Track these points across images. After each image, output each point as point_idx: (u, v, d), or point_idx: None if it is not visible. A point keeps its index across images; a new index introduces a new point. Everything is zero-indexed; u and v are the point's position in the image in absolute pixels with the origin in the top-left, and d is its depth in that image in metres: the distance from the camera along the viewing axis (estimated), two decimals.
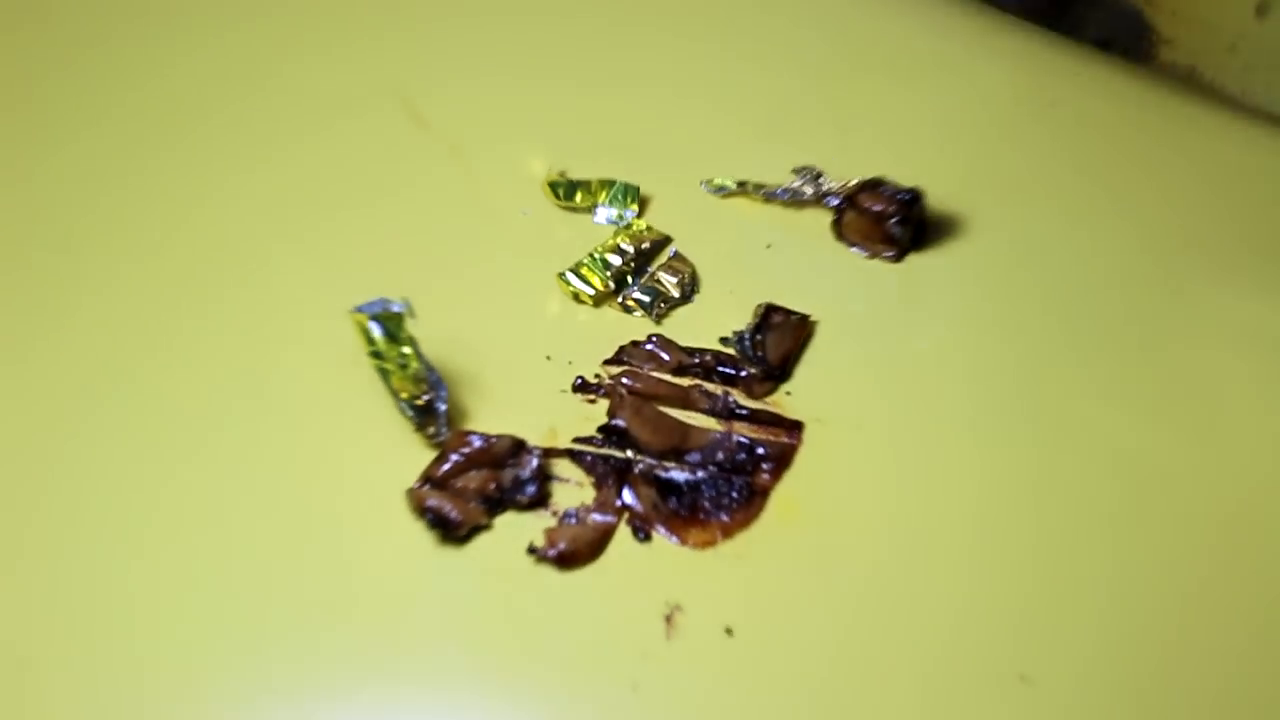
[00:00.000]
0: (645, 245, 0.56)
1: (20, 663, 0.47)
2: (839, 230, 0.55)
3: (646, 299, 0.54)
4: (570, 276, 0.55)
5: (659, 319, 0.54)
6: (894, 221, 0.54)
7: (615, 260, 0.55)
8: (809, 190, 0.56)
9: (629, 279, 0.55)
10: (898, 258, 0.55)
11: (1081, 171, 0.59)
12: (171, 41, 0.65)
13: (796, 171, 0.56)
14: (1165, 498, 0.50)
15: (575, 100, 0.61)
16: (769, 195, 0.56)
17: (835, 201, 0.55)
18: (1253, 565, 0.49)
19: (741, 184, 0.57)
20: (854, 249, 0.55)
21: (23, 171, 0.60)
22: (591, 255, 0.55)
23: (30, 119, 0.62)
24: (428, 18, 0.65)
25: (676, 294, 0.54)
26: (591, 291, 0.54)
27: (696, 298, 0.55)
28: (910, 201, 0.54)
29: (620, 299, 0.54)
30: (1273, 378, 0.53)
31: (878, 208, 0.54)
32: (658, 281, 0.55)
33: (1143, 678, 0.47)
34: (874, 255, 0.55)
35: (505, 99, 0.62)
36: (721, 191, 0.57)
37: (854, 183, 0.55)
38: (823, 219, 0.56)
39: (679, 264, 0.55)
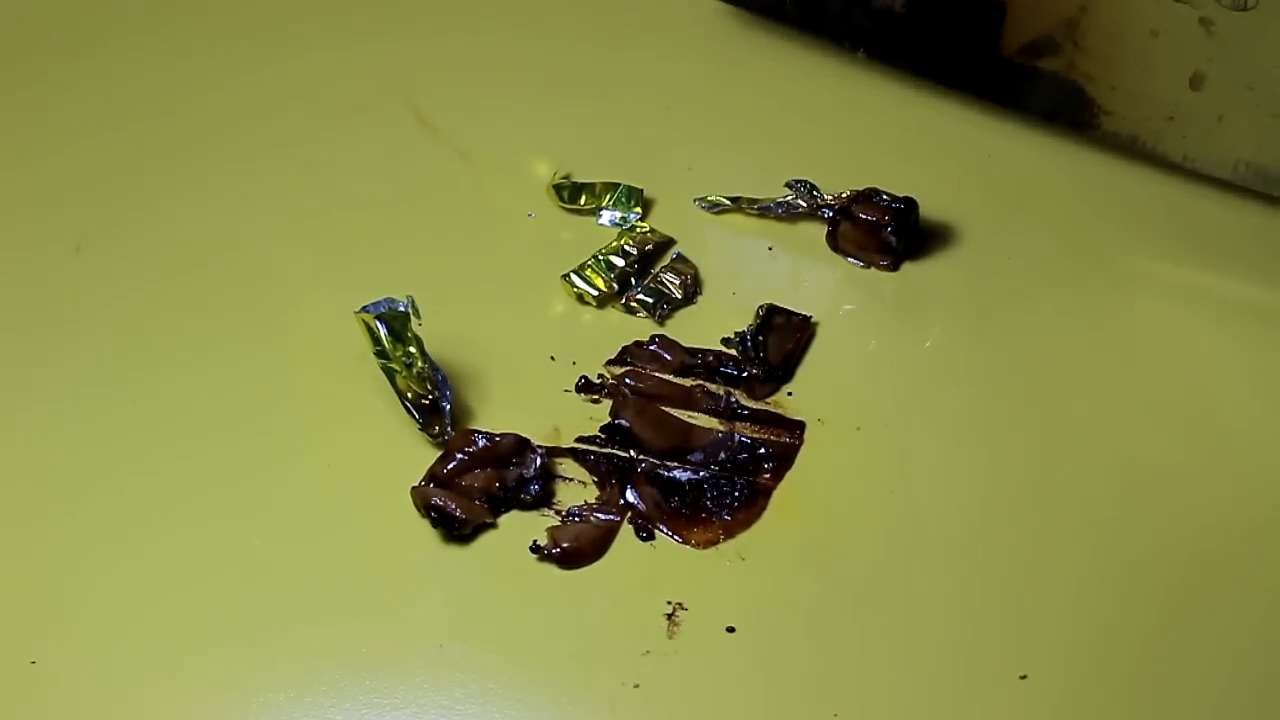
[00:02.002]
0: (649, 247, 0.55)
1: (24, 660, 0.46)
2: (834, 241, 0.55)
3: (650, 300, 0.54)
4: (574, 278, 0.54)
5: (662, 320, 0.54)
6: (889, 231, 0.53)
7: (619, 262, 0.55)
8: (803, 203, 0.55)
9: (632, 280, 0.55)
10: (893, 266, 0.54)
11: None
12: (181, 43, 0.64)
13: (790, 185, 0.56)
14: (1163, 497, 0.50)
15: (580, 104, 0.61)
16: (763, 209, 0.55)
17: (830, 213, 0.55)
18: (1250, 564, 0.48)
19: (735, 199, 0.56)
20: (850, 259, 0.54)
21: (28, 171, 0.60)
22: (595, 257, 0.55)
23: (34, 119, 0.62)
24: (434, 23, 0.64)
25: (679, 295, 0.54)
26: (595, 293, 0.54)
27: (699, 299, 0.55)
28: (904, 211, 0.53)
29: (624, 300, 0.54)
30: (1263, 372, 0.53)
31: (872, 218, 0.53)
32: (661, 283, 0.55)
33: (1139, 677, 0.46)
34: (869, 264, 0.54)
35: (510, 103, 0.61)
36: (716, 208, 0.56)
37: (847, 194, 0.54)
38: (817, 231, 0.55)
39: (682, 266, 0.55)
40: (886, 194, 0.54)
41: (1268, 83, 0.51)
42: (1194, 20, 0.51)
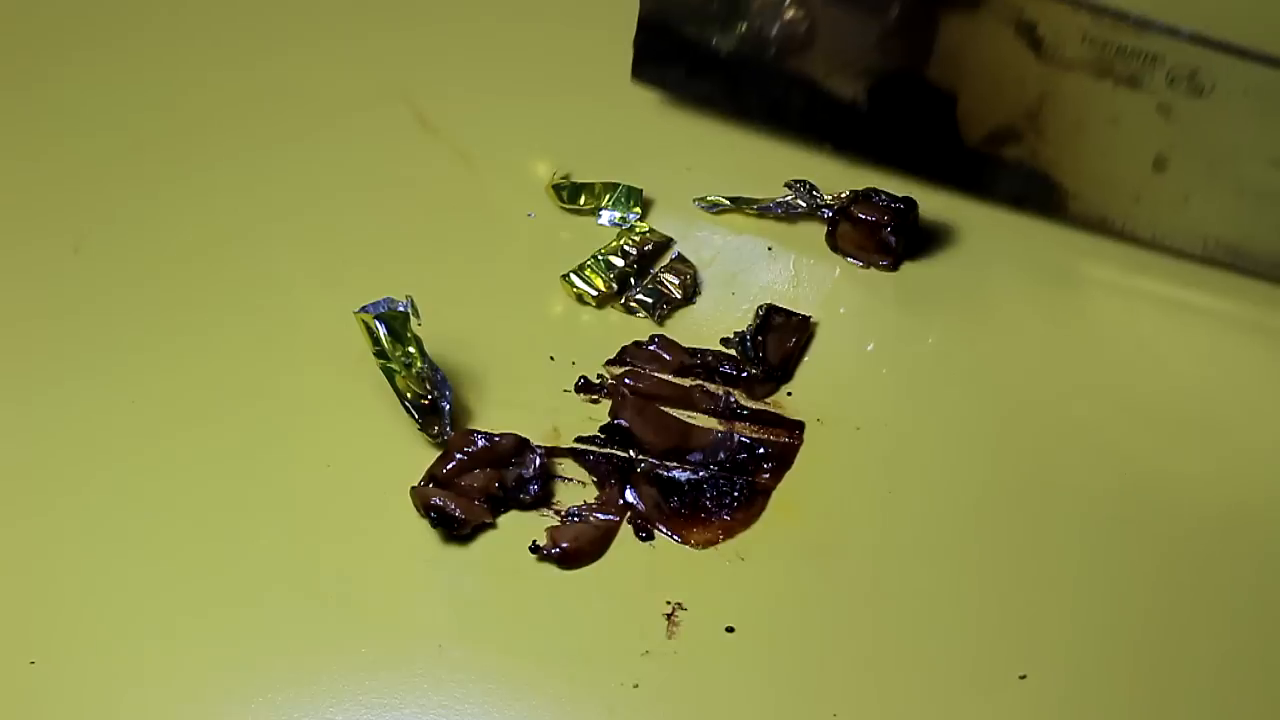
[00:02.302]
0: (648, 247, 0.55)
1: (24, 660, 0.46)
2: (833, 241, 0.54)
3: (649, 300, 0.54)
4: (574, 278, 0.54)
5: (661, 320, 0.54)
6: (889, 230, 0.53)
7: (618, 262, 0.55)
8: (803, 203, 0.55)
9: (632, 281, 0.55)
10: (893, 266, 0.54)
11: None
12: (182, 42, 0.64)
13: (790, 185, 0.55)
14: (1161, 497, 0.50)
15: (580, 104, 0.61)
16: (763, 209, 0.55)
17: (829, 213, 0.54)
18: (1249, 564, 0.48)
19: (735, 199, 0.56)
20: (849, 259, 0.54)
21: (27, 170, 0.59)
22: (595, 257, 0.55)
23: (32, 117, 0.62)
24: (433, 23, 0.64)
25: (679, 295, 0.54)
26: (595, 293, 0.54)
27: (698, 299, 0.55)
28: (904, 211, 0.53)
29: (623, 300, 0.54)
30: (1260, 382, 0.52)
31: (872, 218, 0.53)
32: (660, 283, 0.55)
33: (1138, 677, 0.46)
34: (869, 265, 0.54)
35: (510, 103, 0.61)
36: (715, 209, 0.56)
37: (847, 194, 0.54)
38: (816, 231, 0.55)
39: (681, 266, 0.55)
40: (886, 194, 0.54)
41: (1229, 163, 0.52)
42: (1152, 107, 0.51)
